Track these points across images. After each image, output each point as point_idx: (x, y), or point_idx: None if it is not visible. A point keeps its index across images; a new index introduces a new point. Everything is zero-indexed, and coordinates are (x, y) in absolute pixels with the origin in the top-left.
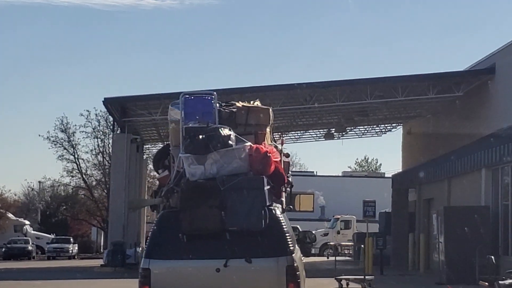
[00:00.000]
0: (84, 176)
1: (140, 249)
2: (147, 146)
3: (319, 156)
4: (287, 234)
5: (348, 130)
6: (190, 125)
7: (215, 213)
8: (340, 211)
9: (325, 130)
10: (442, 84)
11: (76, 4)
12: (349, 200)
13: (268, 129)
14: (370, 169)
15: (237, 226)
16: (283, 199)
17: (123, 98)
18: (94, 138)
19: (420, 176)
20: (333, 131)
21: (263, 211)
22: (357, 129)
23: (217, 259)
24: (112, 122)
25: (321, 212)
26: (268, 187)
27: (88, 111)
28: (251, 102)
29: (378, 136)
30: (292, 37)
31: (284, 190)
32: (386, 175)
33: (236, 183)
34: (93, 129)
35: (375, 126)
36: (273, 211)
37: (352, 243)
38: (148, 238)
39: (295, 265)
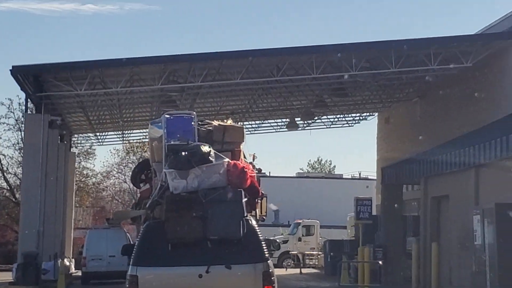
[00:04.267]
0: (5, 174)
1: (63, 261)
2: (77, 137)
3: (269, 156)
4: (262, 243)
5: (315, 119)
6: (172, 142)
7: (197, 223)
8: (297, 215)
9: (287, 119)
10: (446, 52)
11: (13, 8)
12: (306, 203)
13: (241, 146)
14: (324, 171)
15: (218, 235)
16: (257, 210)
17: (38, 66)
18: (17, 131)
19: (427, 167)
20: (297, 120)
21: (241, 222)
22: (325, 118)
23: (199, 266)
24: (25, 100)
25: (275, 217)
26: (245, 199)
27: (10, 99)
28: (224, 120)
29: (349, 126)
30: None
31: (258, 201)
32: (344, 176)
33: (217, 196)
34: (16, 120)
35: (346, 114)
36: (250, 222)
37: (318, 252)
38: (135, 247)
39: (270, 270)
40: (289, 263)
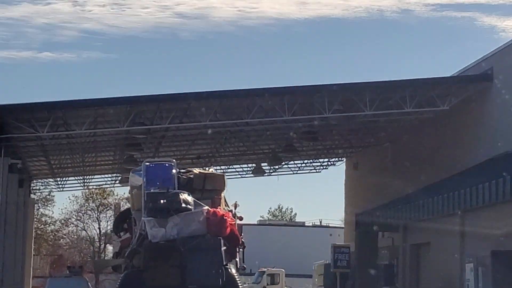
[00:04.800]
0: None
1: None
2: (35, 182)
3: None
4: None
5: (282, 164)
6: (152, 190)
7: (176, 272)
8: (260, 263)
9: (254, 164)
10: (422, 95)
11: None
12: (269, 251)
13: (222, 194)
14: (285, 219)
15: (197, 284)
16: (237, 259)
17: None
18: None
19: (406, 214)
20: (264, 166)
21: (220, 270)
22: (292, 164)
23: None
24: None
25: None
26: (224, 248)
27: None
28: (206, 168)
29: (316, 172)
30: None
31: (238, 250)
32: (306, 224)
33: (195, 244)
34: None
35: (314, 160)
36: (229, 270)
37: None
38: None
39: None
40: None
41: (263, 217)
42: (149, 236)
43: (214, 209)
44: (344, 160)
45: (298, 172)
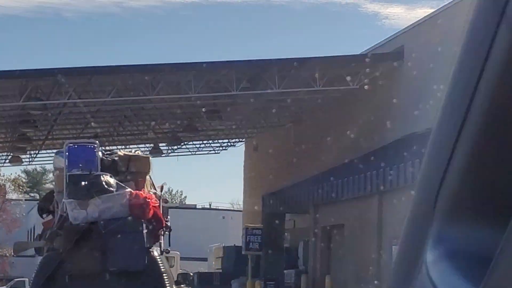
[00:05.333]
0: None
1: None
2: None
3: None
4: (164, 275)
5: (182, 144)
6: (74, 172)
7: (97, 255)
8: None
9: (152, 144)
10: (332, 74)
11: None
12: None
13: (148, 176)
14: (174, 202)
15: (118, 267)
16: (161, 242)
17: None
18: None
19: (317, 195)
20: (162, 146)
21: (142, 253)
22: (191, 144)
23: None
24: None
25: None
26: (147, 230)
27: None
28: (133, 151)
29: (215, 153)
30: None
31: (162, 233)
32: (198, 207)
33: (116, 227)
34: None
35: (214, 141)
36: (151, 253)
37: (180, 286)
38: (32, 278)
39: None
40: None
41: None
42: (70, 218)
43: (137, 191)
44: (244, 141)
45: (197, 153)
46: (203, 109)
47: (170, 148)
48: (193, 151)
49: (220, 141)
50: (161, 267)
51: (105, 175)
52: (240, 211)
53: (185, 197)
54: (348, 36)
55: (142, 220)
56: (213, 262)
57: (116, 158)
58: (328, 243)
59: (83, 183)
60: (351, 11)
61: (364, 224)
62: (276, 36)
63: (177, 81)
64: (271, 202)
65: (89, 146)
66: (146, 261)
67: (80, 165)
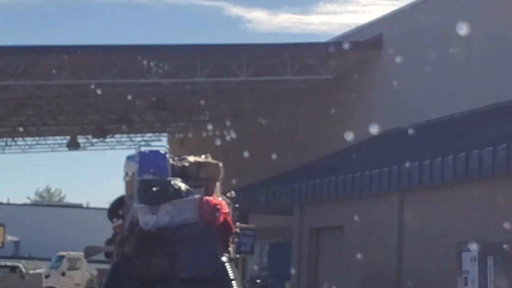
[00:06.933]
0: None
1: None
2: None
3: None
4: (233, 282)
5: (108, 137)
6: (145, 177)
7: (167, 261)
8: (41, 247)
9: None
10: (304, 61)
11: None
12: (49, 234)
13: (218, 183)
14: (52, 201)
15: (187, 273)
16: (230, 249)
17: None
18: None
19: (305, 192)
20: (79, 139)
21: (212, 260)
22: (112, 139)
23: None
24: None
25: (14, 248)
26: (216, 237)
27: None
28: (202, 156)
29: (135, 148)
30: None
31: (232, 240)
32: (84, 206)
33: (187, 232)
34: None
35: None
36: (221, 260)
37: None
38: (102, 283)
39: None
40: None
41: (30, 198)
42: (140, 223)
43: (207, 197)
44: (166, 135)
45: (116, 147)
46: (153, 99)
47: (88, 141)
48: (112, 146)
49: (148, 135)
50: (231, 274)
51: (176, 180)
52: None
53: (64, 196)
54: (212, 39)
55: (212, 227)
56: None
57: (186, 164)
58: (316, 247)
59: (154, 188)
60: (215, 14)
61: (375, 226)
62: (139, 35)
63: (133, 64)
64: (241, 200)
65: (161, 152)
66: (215, 268)
67: (151, 170)
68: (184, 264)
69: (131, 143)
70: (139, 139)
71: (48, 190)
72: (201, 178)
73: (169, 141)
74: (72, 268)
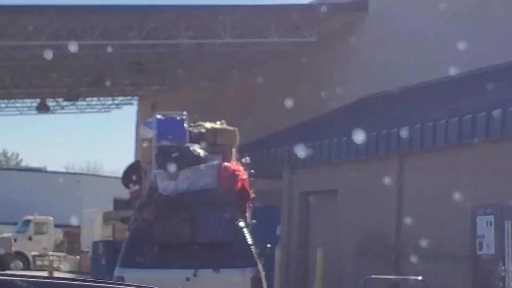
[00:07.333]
0: None
1: None
2: None
3: None
4: (251, 247)
5: (79, 100)
6: (163, 143)
7: (186, 226)
8: (3, 211)
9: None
10: (289, 23)
11: None
12: (12, 198)
13: (234, 149)
14: (9, 165)
15: (206, 238)
16: (248, 214)
17: None
18: None
19: (293, 156)
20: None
21: (230, 225)
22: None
23: (187, 269)
24: None
25: None
26: (235, 202)
27: None
28: (217, 122)
29: (106, 111)
30: None
31: (249, 205)
32: (49, 169)
33: (206, 198)
34: None
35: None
36: (240, 225)
37: (52, 253)
38: (122, 247)
39: (259, 275)
40: (17, 265)
41: None
42: (159, 188)
43: (226, 163)
44: (137, 99)
45: (86, 111)
46: (130, 61)
47: (58, 105)
48: (81, 109)
49: (120, 98)
50: (248, 239)
51: (195, 146)
52: (97, 175)
53: (21, 160)
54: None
55: (231, 192)
56: (96, 229)
57: (203, 130)
58: (307, 213)
59: (173, 154)
60: None
61: (373, 190)
62: None
63: (118, 25)
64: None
65: (178, 118)
66: (234, 233)
67: (169, 136)
68: (202, 229)
69: (101, 106)
70: (110, 102)
71: (5, 154)
72: (218, 145)
73: (140, 104)
74: (39, 232)
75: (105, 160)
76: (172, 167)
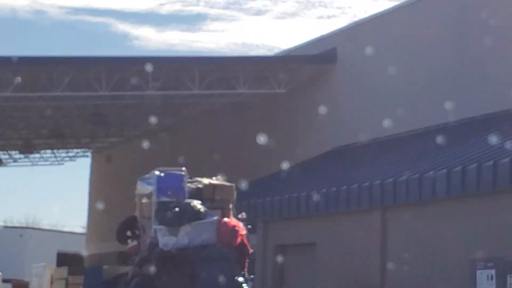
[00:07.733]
0: None
1: None
2: None
3: None
4: None
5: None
6: (162, 199)
7: (187, 281)
8: None
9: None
10: (258, 75)
11: None
12: None
13: (231, 204)
14: None
15: None
16: (246, 270)
17: None
18: None
19: (269, 209)
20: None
21: (230, 281)
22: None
23: None
24: None
25: None
26: (234, 258)
27: None
28: (213, 178)
29: (59, 164)
30: None
31: (247, 260)
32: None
33: (206, 254)
34: None
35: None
36: (239, 281)
37: None
38: None
39: None
40: None
41: None
42: (160, 244)
43: (225, 219)
44: (91, 152)
45: (39, 163)
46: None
47: (10, 157)
48: (35, 162)
49: (75, 150)
50: None
51: (195, 202)
52: (38, 229)
53: None
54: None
55: (231, 248)
56: (47, 285)
57: (200, 186)
58: (280, 266)
59: (174, 210)
60: (102, 30)
61: (356, 243)
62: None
63: (85, 78)
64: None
65: (178, 174)
66: None
67: (169, 192)
68: (203, 285)
69: (54, 159)
70: (64, 154)
71: None
72: (216, 200)
73: (94, 157)
74: None
75: (45, 213)
76: (173, 223)
